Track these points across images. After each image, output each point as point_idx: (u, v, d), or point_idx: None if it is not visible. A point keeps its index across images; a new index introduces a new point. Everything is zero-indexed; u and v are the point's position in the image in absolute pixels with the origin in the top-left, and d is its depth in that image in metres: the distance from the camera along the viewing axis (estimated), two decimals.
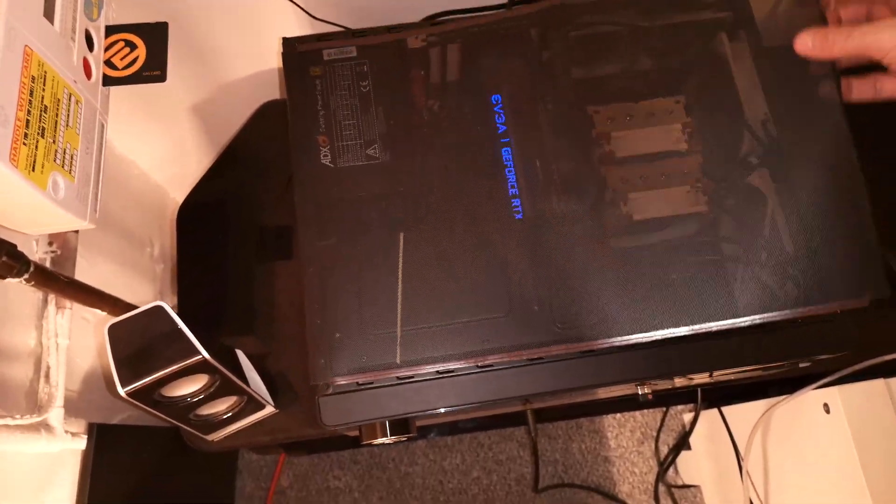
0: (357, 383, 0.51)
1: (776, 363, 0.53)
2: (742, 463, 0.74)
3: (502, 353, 0.52)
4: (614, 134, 0.60)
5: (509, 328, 0.53)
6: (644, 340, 0.53)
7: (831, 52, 0.46)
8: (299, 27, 0.72)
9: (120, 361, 0.48)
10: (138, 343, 0.49)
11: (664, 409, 1.07)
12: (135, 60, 0.49)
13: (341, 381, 0.51)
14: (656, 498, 1.04)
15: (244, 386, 0.56)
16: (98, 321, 0.76)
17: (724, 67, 0.61)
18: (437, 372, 0.52)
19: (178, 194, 0.98)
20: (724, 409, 0.86)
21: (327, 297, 0.54)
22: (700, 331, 0.53)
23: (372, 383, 0.52)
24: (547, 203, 0.57)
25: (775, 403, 0.71)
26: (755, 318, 0.53)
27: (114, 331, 0.49)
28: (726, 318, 0.53)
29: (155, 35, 0.50)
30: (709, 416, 0.92)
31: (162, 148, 0.89)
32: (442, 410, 0.52)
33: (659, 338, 0.53)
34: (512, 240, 0.56)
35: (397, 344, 0.53)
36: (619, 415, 1.08)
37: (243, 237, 0.78)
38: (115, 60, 0.50)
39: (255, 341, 0.73)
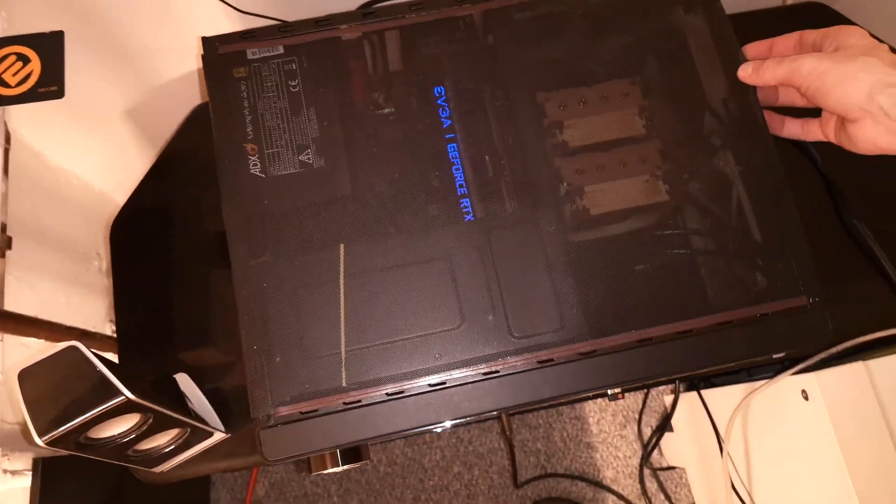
0: (300, 412, 0.48)
1: (748, 360, 0.50)
2: (722, 447, 0.72)
3: (456, 368, 0.49)
4: (567, 122, 0.56)
5: (463, 341, 0.49)
6: (608, 345, 0.49)
7: (764, 78, 0.52)
8: (228, 20, 0.66)
9: (34, 409, 0.44)
10: (54, 387, 0.45)
11: (645, 391, 1.05)
12: (28, 76, 0.44)
13: (284, 410, 0.48)
14: (641, 481, 1.02)
15: (184, 418, 0.52)
16: (39, 347, 0.71)
17: (682, 43, 0.57)
18: (387, 394, 0.48)
19: (124, 199, 0.93)
20: (703, 392, 0.84)
21: (264, 320, 0.49)
22: (668, 332, 0.49)
23: (317, 410, 0.48)
24: (498, 201, 0.53)
25: (754, 390, 0.68)
26: (726, 315, 0.49)
27: (26, 376, 0.45)
28: (695, 317, 0.50)
29: (50, 46, 0.45)
30: (689, 399, 0.90)
31: (101, 155, 0.84)
32: (394, 434, 0.49)
33: (624, 342, 0.49)
34: (462, 244, 0.52)
35: (342, 366, 0.49)
36: (600, 400, 1.06)
37: (186, 246, 0.73)
38: (7, 77, 0.45)
39: (207, 355, 0.69)
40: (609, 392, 0.55)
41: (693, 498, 0.99)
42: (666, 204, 0.53)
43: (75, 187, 0.84)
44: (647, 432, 1.04)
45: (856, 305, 0.63)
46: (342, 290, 0.50)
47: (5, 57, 0.45)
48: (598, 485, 1.03)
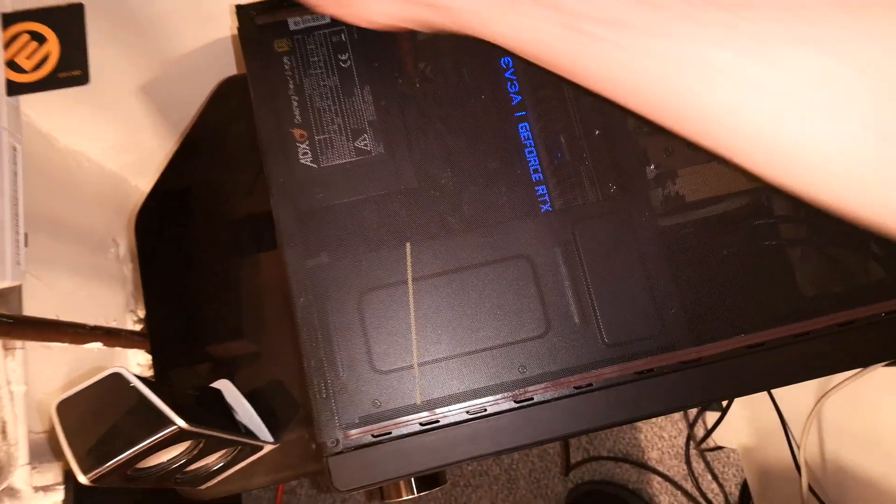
0: (372, 435, 0.42)
1: (876, 363, 0.45)
2: (797, 453, 0.67)
3: (543, 381, 0.43)
4: None
5: (549, 351, 0.44)
6: (714, 352, 0.44)
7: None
8: None
9: (76, 444, 0.38)
10: (97, 418, 0.39)
11: None
12: (46, 58, 0.38)
13: (354, 434, 0.42)
14: (688, 461, 0.98)
15: (236, 437, 0.47)
16: (62, 348, 0.66)
17: None
18: (468, 412, 0.43)
19: (141, 181, 0.87)
20: None
21: (325, 331, 0.44)
22: (782, 335, 0.44)
23: (391, 433, 0.42)
24: (578, 189, 0.47)
25: (835, 385, 0.63)
26: (847, 315, 0.44)
27: (64, 408, 0.39)
28: (810, 317, 0.44)
29: (69, 22, 0.38)
30: None
31: (114, 134, 0.77)
32: (479, 458, 0.44)
33: (732, 347, 0.44)
34: (540, 239, 0.46)
35: (416, 382, 0.43)
36: None
37: (216, 231, 0.68)
38: (21, 60, 0.38)
39: (243, 346, 0.64)
40: None
41: (742, 478, 0.95)
42: (770, 188, 0.47)
43: (86, 170, 0.77)
44: (693, 412, 1.00)
45: None
46: (411, 296, 0.44)
47: (17, 36, 0.38)
48: (643, 466, 0.99)
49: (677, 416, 1.00)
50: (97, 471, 0.38)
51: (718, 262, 0.45)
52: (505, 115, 0.48)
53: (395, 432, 0.42)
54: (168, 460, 0.44)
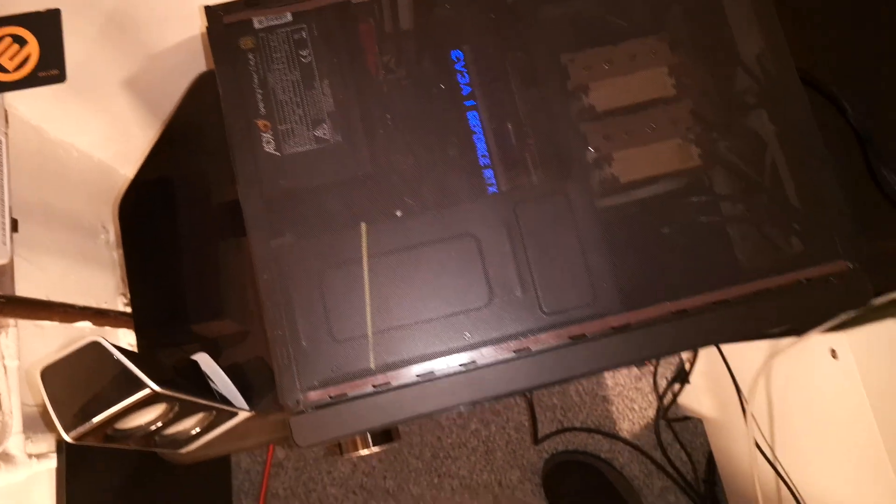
0: (330, 396, 0.47)
1: (788, 328, 0.49)
2: (745, 407, 0.71)
3: (485, 346, 0.48)
4: (592, 85, 0.53)
5: (492, 319, 0.48)
6: (642, 319, 0.48)
7: None
8: None
9: (59, 406, 0.43)
10: (78, 383, 0.44)
11: None
12: (27, 59, 0.42)
13: (313, 396, 0.47)
14: (657, 432, 1.03)
15: (210, 403, 0.51)
16: (53, 327, 0.70)
17: None
18: (417, 375, 0.47)
19: (128, 170, 0.91)
20: (723, 346, 0.83)
21: (287, 304, 0.48)
22: (703, 302, 0.48)
23: (346, 395, 0.47)
24: (523, 172, 0.51)
25: (779, 350, 0.67)
26: (763, 283, 0.48)
27: (48, 374, 0.44)
28: (731, 286, 0.48)
29: (47, 26, 0.42)
30: (707, 351, 0.90)
31: (100, 126, 0.81)
32: (425, 415, 0.48)
33: (658, 314, 0.48)
34: (487, 218, 0.50)
35: (370, 348, 0.48)
36: None
37: (197, 218, 0.71)
38: (3, 61, 0.42)
39: (225, 326, 0.68)
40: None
41: (709, 447, 1.00)
42: (698, 168, 0.51)
43: (76, 160, 0.81)
44: (662, 384, 1.04)
45: (888, 262, 0.62)
46: (366, 271, 0.49)
47: (1, 39, 0.42)
48: (615, 437, 1.04)
49: (647, 388, 1.05)
50: (79, 429, 0.43)
51: (647, 238, 0.49)
52: (455, 104, 0.52)
53: (351, 394, 0.47)
54: (146, 422, 0.48)
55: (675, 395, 1.02)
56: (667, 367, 1.05)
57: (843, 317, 0.60)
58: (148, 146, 0.81)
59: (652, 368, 1.05)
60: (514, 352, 0.48)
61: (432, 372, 0.47)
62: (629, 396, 1.05)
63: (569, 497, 1.01)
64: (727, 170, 0.51)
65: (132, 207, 0.70)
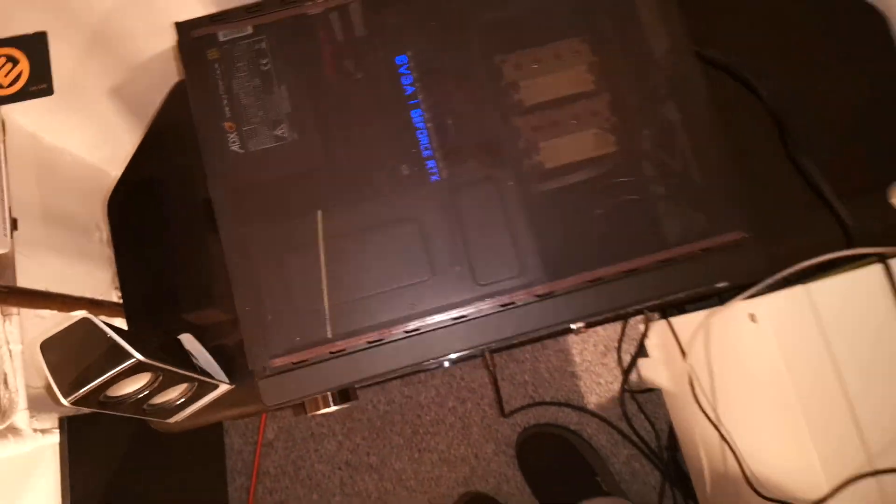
0: (293, 362, 0.54)
1: (692, 291, 0.56)
2: (685, 355, 0.78)
3: (429, 315, 0.55)
4: (522, 83, 0.60)
5: (433, 291, 0.55)
6: (563, 287, 0.55)
7: None
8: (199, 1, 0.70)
9: (57, 374, 0.50)
10: (72, 354, 0.50)
11: (623, 322, 1.12)
12: (19, 76, 0.49)
13: (278, 362, 0.54)
14: (622, 404, 1.10)
15: (190, 374, 0.58)
16: (53, 317, 0.77)
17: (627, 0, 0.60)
18: (369, 342, 0.54)
19: (118, 171, 0.97)
20: (672, 319, 0.90)
21: (254, 282, 0.55)
22: (617, 271, 0.55)
23: (307, 360, 0.54)
24: (461, 162, 0.58)
25: (712, 314, 0.74)
26: (669, 253, 0.55)
27: (46, 346, 0.51)
28: (642, 256, 0.55)
29: (36, 47, 0.49)
30: (662, 325, 0.96)
31: (90, 132, 0.88)
32: (377, 377, 0.55)
33: (578, 282, 0.55)
34: (430, 203, 0.57)
35: (327, 319, 0.54)
36: (582, 332, 1.12)
37: (180, 213, 0.77)
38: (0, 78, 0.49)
39: (209, 314, 0.74)
40: (573, 326, 0.61)
41: (669, 416, 1.07)
42: (614, 154, 0.58)
43: (69, 164, 0.88)
44: (626, 359, 1.11)
45: (803, 234, 0.69)
46: (322, 252, 0.55)
47: None
48: (583, 410, 1.11)
49: (612, 363, 1.12)
50: (74, 395, 0.49)
51: (567, 217, 0.56)
52: (400, 103, 0.59)
53: (311, 359, 0.54)
54: (135, 390, 0.55)
55: (636, 369, 1.08)
56: (630, 344, 1.12)
57: (762, 284, 0.66)
58: (134, 148, 0.87)
59: (616, 344, 1.12)
60: (454, 319, 0.55)
61: (382, 339, 0.54)
62: (596, 372, 1.12)
63: (540, 466, 1.08)
64: (640, 154, 0.58)
65: (120, 204, 0.76)
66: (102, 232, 0.95)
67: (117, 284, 0.95)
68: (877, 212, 0.68)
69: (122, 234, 0.77)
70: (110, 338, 0.51)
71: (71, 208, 0.89)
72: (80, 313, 0.79)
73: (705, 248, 0.55)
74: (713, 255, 0.55)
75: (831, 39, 0.72)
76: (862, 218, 0.65)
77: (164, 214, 0.78)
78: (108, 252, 0.96)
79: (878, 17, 0.72)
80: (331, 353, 0.54)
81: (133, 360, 0.50)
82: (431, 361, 0.54)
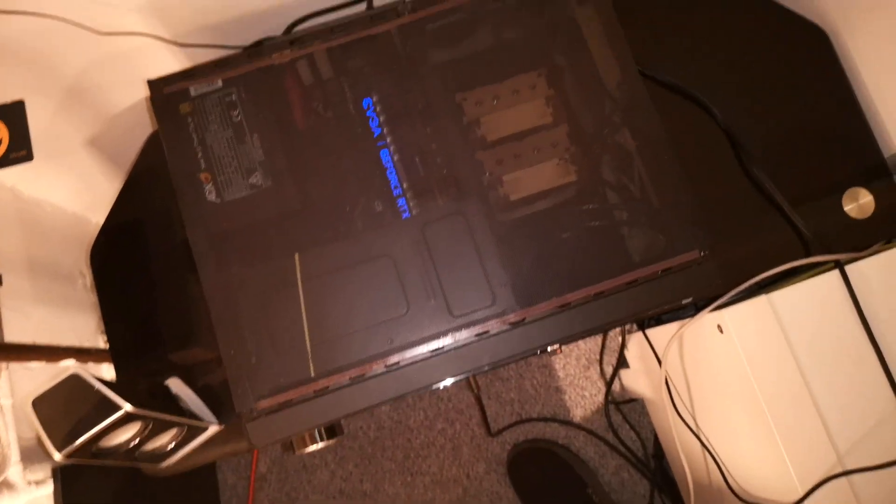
0: (278, 403, 0.56)
1: (656, 310, 0.58)
2: (662, 372, 0.81)
3: (407, 349, 0.57)
4: (483, 119, 0.62)
5: (410, 325, 0.57)
6: (534, 314, 0.57)
7: None
8: (169, 52, 0.72)
9: (49, 429, 0.51)
10: (64, 409, 0.52)
11: (603, 334, 1.14)
12: None
13: (264, 403, 0.56)
14: (607, 415, 1.12)
15: (179, 419, 0.60)
16: (41, 367, 0.78)
17: (577, 34, 0.63)
18: (350, 378, 0.56)
19: (100, 217, 0.99)
20: (647, 331, 0.93)
21: (237, 326, 0.57)
22: (584, 294, 0.57)
23: (292, 400, 0.56)
24: (430, 198, 0.60)
25: (682, 326, 0.77)
26: (632, 275, 0.57)
27: (38, 403, 0.52)
28: (607, 279, 0.58)
29: (15, 115, 0.51)
30: (638, 337, 0.99)
31: (70, 182, 0.90)
32: (360, 411, 0.57)
33: (548, 308, 0.57)
34: (402, 240, 0.59)
35: (309, 359, 0.56)
36: (564, 347, 1.15)
37: (163, 256, 0.79)
38: None
39: (195, 354, 0.76)
40: (549, 349, 0.63)
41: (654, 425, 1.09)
42: (575, 183, 0.61)
43: (50, 214, 0.90)
44: (608, 371, 1.14)
45: (761, 245, 0.72)
46: (301, 294, 0.57)
47: None
48: (570, 423, 1.13)
49: (596, 376, 1.14)
50: (66, 449, 0.51)
51: (534, 245, 0.59)
52: (368, 145, 0.61)
53: (296, 399, 0.56)
54: (126, 440, 0.57)
55: (618, 380, 1.11)
56: (611, 356, 1.14)
57: (727, 296, 0.69)
58: (115, 195, 0.89)
59: (598, 357, 1.15)
60: (431, 351, 0.57)
61: (363, 375, 0.56)
62: (580, 385, 1.15)
63: (532, 482, 1.10)
64: (600, 181, 0.60)
65: (103, 252, 0.78)
66: (86, 278, 0.96)
67: (102, 329, 0.96)
68: (830, 218, 0.72)
69: (105, 280, 0.79)
70: (98, 391, 0.52)
71: (54, 258, 0.90)
72: (69, 363, 0.80)
73: (667, 268, 0.58)
74: (674, 274, 0.58)
75: (778, 57, 0.76)
76: (817, 224, 0.68)
77: (146, 258, 0.79)
78: (93, 298, 0.97)
79: (821, 34, 0.75)
80: (315, 391, 0.56)
81: (122, 411, 0.52)
82: (413, 392, 0.57)
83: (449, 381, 0.57)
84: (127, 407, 0.52)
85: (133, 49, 0.69)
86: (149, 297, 0.78)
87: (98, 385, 0.52)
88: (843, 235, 0.72)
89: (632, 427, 1.12)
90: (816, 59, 0.76)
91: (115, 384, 0.55)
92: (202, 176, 0.59)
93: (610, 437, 1.12)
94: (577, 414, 1.14)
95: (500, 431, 1.11)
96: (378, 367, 0.56)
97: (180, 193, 0.59)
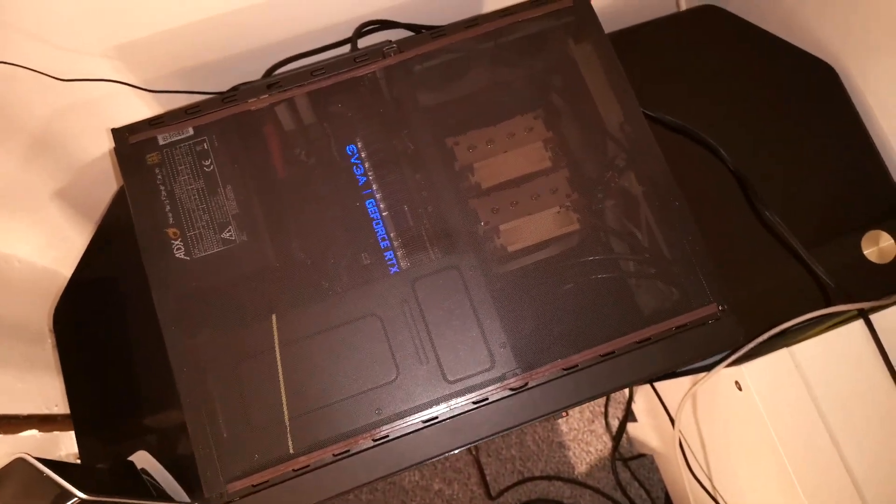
0: (252, 485, 0.49)
1: (671, 370, 0.53)
2: (675, 434, 0.75)
3: (397, 420, 0.51)
4: (477, 164, 0.58)
5: (400, 392, 0.52)
6: (537, 378, 0.52)
7: None
8: (139, 98, 0.67)
9: None
10: (11, 498, 0.46)
11: None
12: None
13: (237, 485, 0.49)
14: (614, 472, 1.05)
15: (143, 501, 0.54)
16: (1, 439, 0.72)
17: (576, 74, 0.59)
18: (334, 455, 0.50)
19: (71, 270, 0.94)
20: (656, 384, 0.87)
21: (206, 397, 0.51)
22: (592, 355, 0.52)
23: (268, 481, 0.50)
24: (420, 250, 0.55)
25: (696, 382, 0.71)
26: (645, 332, 0.52)
27: None
28: (616, 338, 0.52)
29: None
30: (646, 389, 0.93)
31: (38, 235, 0.85)
32: (345, 492, 0.51)
33: (552, 371, 0.52)
34: (389, 297, 0.54)
35: (287, 434, 0.51)
36: None
37: (132, 314, 0.73)
38: None
39: (167, 418, 0.69)
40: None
41: (664, 482, 1.02)
42: (578, 232, 0.56)
43: (18, 270, 0.84)
44: (614, 424, 1.07)
45: (777, 293, 0.67)
46: (279, 360, 0.52)
47: None
48: (574, 482, 1.06)
49: (601, 430, 1.08)
50: None
51: (535, 301, 0.53)
52: (353, 194, 0.56)
53: (273, 479, 0.50)
54: None
55: (625, 435, 1.05)
56: (616, 408, 1.08)
57: (743, 350, 0.64)
58: (85, 247, 0.84)
59: (602, 409, 1.08)
60: (424, 421, 0.51)
61: (348, 450, 0.50)
62: (584, 440, 1.08)
63: None
64: (604, 231, 0.56)
65: (67, 311, 0.73)
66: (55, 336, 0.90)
67: None
68: (849, 262, 0.67)
69: (69, 340, 0.73)
70: (48, 478, 0.46)
71: (21, 316, 0.84)
72: (32, 433, 0.74)
73: (682, 325, 0.53)
74: (691, 331, 0.53)
75: (787, 95, 0.72)
76: (835, 270, 0.63)
77: (115, 314, 0.74)
78: None
79: (829, 71, 0.72)
80: (294, 470, 0.50)
81: (75, 499, 0.46)
82: (405, 469, 0.51)
83: (444, 455, 0.51)
84: (81, 495, 0.46)
85: (100, 96, 0.64)
86: (118, 357, 0.73)
87: (46, 471, 0.46)
88: (864, 281, 0.67)
89: (641, 484, 1.05)
90: (826, 97, 0.72)
91: (69, 466, 0.49)
92: (170, 231, 0.54)
93: (618, 495, 1.05)
94: (583, 471, 1.07)
95: (501, 493, 1.04)
96: (365, 442, 0.50)
97: (146, 251, 0.54)
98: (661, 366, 0.52)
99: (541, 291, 0.54)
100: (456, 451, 0.51)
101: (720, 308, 0.53)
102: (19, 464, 0.47)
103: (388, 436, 0.51)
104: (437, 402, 0.51)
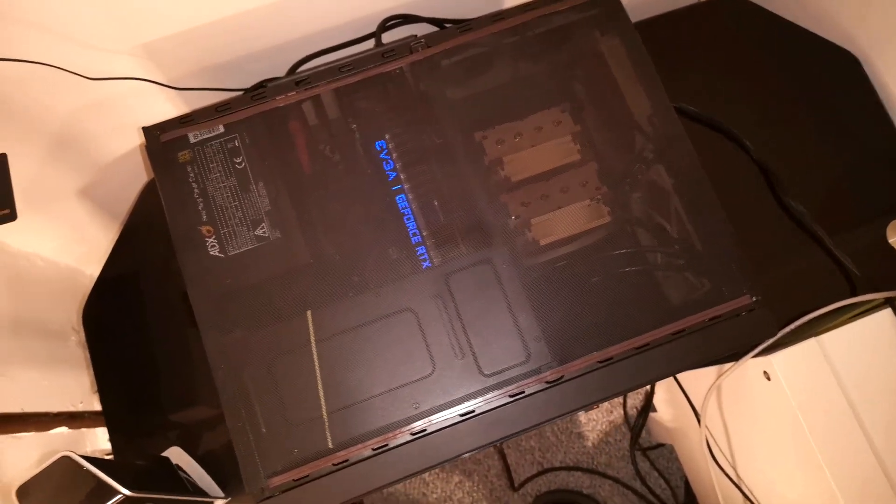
0: (293, 479, 0.50)
1: (706, 362, 0.53)
2: (700, 420, 0.75)
3: (434, 413, 0.51)
4: (506, 158, 0.58)
5: (437, 387, 0.52)
6: (573, 370, 0.52)
7: None
8: (165, 96, 0.68)
9: None
10: (53, 496, 0.46)
11: None
12: None
13: (276, 481, 0.50)
14: (634, 462, 1.06)
15: (182, 497, 0.54)
16: (30, 436, 0.72)
17: (603, 66, 0.59)
18: (373, 449, 0.51)
19: (94, 269, 0.94)
20: (679, 375, 0.87)
21: (244, 395, 0.51)
22: (627, 348, 0.52)
23: (308, 476, 0.50)
24: (452, 245, 0.55)
25: (722, 373, 0.71)
26: (679, 324, 0.52)
27: (24, 491, 0.46)
28: (650, 330, 0.53)
29: None
30: (667, 381, 0.94)
31: (61, 233, 0.85)
32: (384, 486, 0.51)
33: (588, 363, 0.52)
34: (423, 293, 0.54)
35: (326, 428, 0.51)
36: None
37: (160, 310, 0.74)
38: None
39: (199, 412, 0.70)
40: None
41: (684, 472, 1.03)
42: (609, 224, 0.56)
43: (41, 268, 0.85)
44: (633, 414, 1.08)
45: (803, 282, 0.67)
46: (315, 356, 0.52)
47: None
48: (594, 472, 1.07)
49: (619, 420, 1.09)
50: None
51: (570, 294, 0.53)
52: (383, 190, 0.57)
53: (312, 474, 0.50)
54: None
55: (644, 421, 1.05)
56: (635, 398, 1.08)
57: (771, 340, 0.64)
58: (110, 246, 0.85)
59: (621, 400, 1.09)
60: (461, 415, 0.51)
61: (386, 444, 0.51)
62: (603, 430, 1.09)
63: None
64: (635, 223, 0.56)
65: (96, 308, 0.73)
66: (80, 334, 0.91)
67: (97, 388, 0.90)
68: (873, 250, 0.67)
69: (99, 337, 0.74)
70: (93, 474, 0.47)
71: (44, 314, 0.84)
72: (62, 430, 0.74)
73: (715, 316, 0.53)
74: (724, 322, 0.53)
75: (809, 84, 0.72)
76: (859, 258, 0.64)
77: (143, 312, 0.74)
78: (87, 354, 0.91)
79: (851, 59, 0.72)
80: (333, 464, 0.50)
81: (120, 496, 0.46)
82: (443, 463, 0.51)
83: (482, 448, 0.51)
84: (125, 491, 0.47)
85: (126, 94, 0.64)
86: (146, 354, 0.73)
87: (91, 468, 0.47)
88: (889, 269, 0.67)
89: (660, 474, 1.06)
90: (848, 85, 0.72)
91: (109, 463, 0.49)
92: (204, 229, 0.54)
93: (637, 485, 1.06)
94: (602, 461, 1.08)
95: (523, 484, 1.05)
96: (403, 436, 0.51)
97: (180, 249, 0.54)
98: (696, 357, 0.52)
99: (574, 284, 0.54)
100: (494, 444, 0.51)
101: (754, 299, 0.53)
102: (63, 461, 0.47)
103: (425, 430, 0.51)
104: (473, 395, 0.52)
